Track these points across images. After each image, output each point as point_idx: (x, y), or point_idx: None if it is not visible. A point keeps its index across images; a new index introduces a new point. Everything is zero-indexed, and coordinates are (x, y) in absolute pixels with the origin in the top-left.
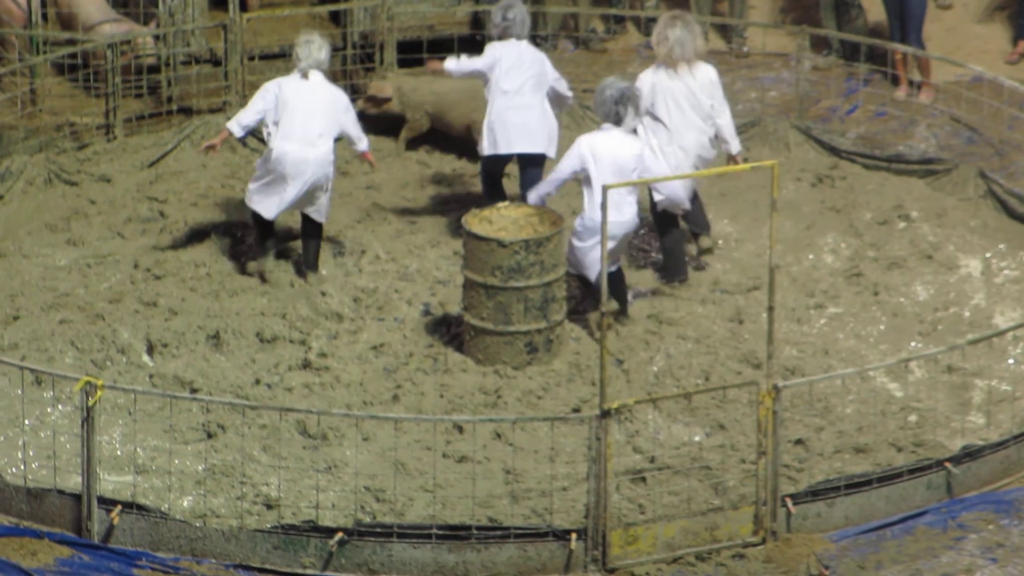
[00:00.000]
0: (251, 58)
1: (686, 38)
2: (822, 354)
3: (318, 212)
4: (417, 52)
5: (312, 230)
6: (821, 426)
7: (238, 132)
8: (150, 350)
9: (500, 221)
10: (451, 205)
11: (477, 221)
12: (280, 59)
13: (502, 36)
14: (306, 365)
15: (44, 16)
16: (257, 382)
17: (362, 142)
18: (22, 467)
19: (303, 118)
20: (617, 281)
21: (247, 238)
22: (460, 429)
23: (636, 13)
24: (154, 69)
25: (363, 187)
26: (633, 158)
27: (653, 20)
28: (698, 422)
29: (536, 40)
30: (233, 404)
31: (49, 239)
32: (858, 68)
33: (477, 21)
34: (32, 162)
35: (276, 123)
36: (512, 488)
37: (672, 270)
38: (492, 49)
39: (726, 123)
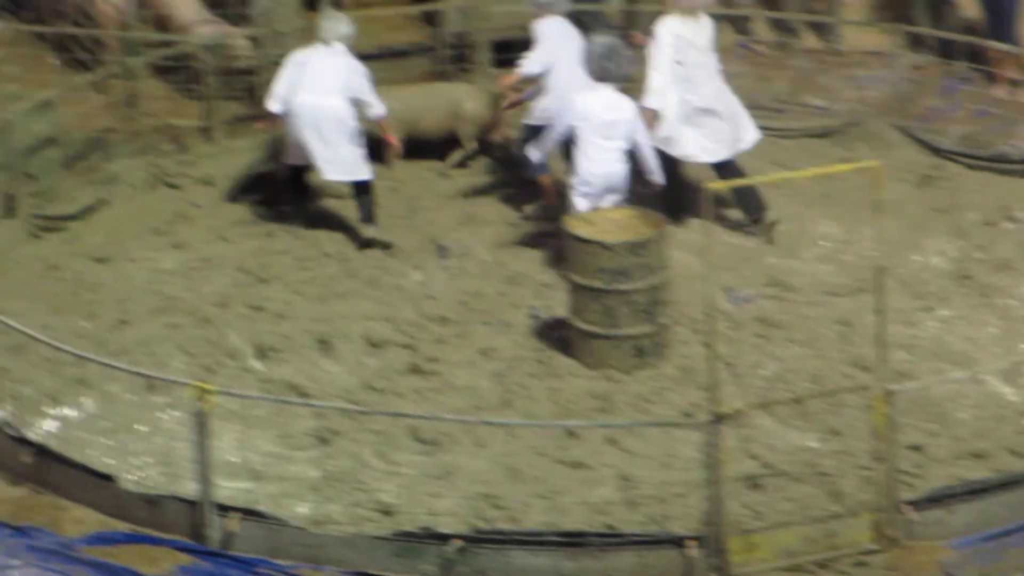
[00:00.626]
0: None
1: None
2: (933, 357)
3: (348, 170)
4: (511, 52)
5: (357, 190)
6: (936, 431)
7: (277, 107)
8: (259, 355)
9: (601, 223)
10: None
11: (578, 223)
12: (374, 60)
13: (542, 16)
14: (415, 370)
15: (140, 18)
16: (367, 387)
17: (376, 108)
18: (138, 473)
19: (319, 75)
20: None
21: (354, 240)
22: (573, 434)
23: (730, 11)
24: (250, 71)
25: (463, 190)
26: (623, 119)
27: (746, 18)
28: (812, 427)
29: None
30: (346, 409)
31: (154, 243)
32: (955, 66)
33: (577, 21)
34: (134, 166)
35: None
36: (627, 494)
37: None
38: (543, 28)
39: None
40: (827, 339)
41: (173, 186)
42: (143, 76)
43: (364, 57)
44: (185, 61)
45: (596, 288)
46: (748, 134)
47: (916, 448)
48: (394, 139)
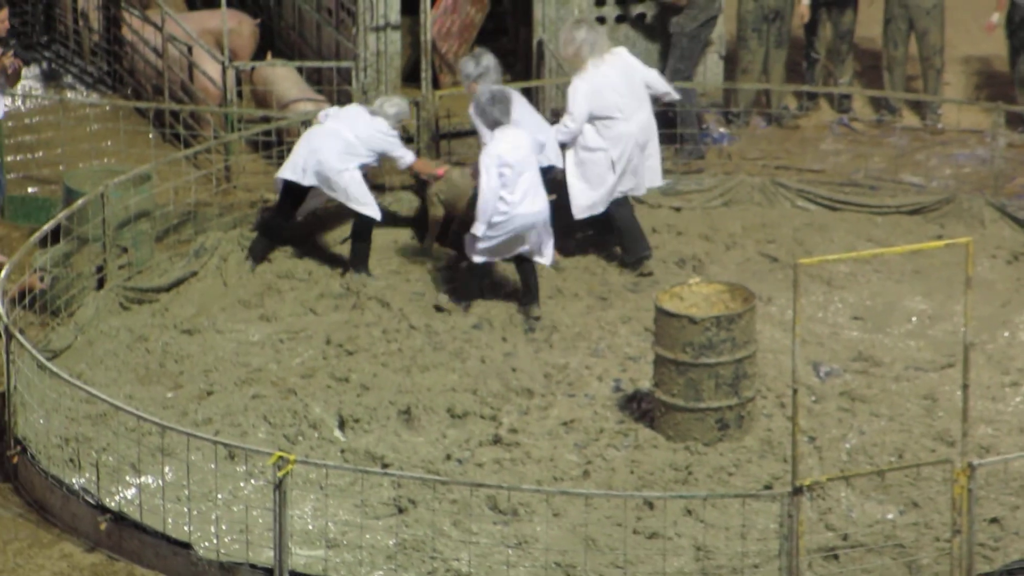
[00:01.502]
0: (443, 136)
1: (594, 37)
2: (1018, 432)
3: (347, 199)
4: None
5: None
6: (1017, 504)
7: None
8: (342, 425)
9: (691, 298)
10: (642, 281)
11: (668, 298)
12: (472, 136)
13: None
14: (497, 441)
15: (239, 93)
16: (448, 457)
17: (405, 158)
18: (215, 541)
19: (336, 119)
20: (529, 271)
21: (440, 313)
22: (651, 505)
23: (829, 89)
24: None
25: (550, 266)
26: (529, 152)
27: (847, 96)
28: (891, 499)
29: (728, 116)
30: (424, 479)
31: (243, 315)
32: None
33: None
34: (226, 238)
35: None
36: (703, 565)
37: (631, 248)
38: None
39: (654, 76)
40: (911, 413)
41: (264, 259)
42: (240, 151)
43: (462, 134)
44: (282, 136)
45: (681, 361)
46: (653, 179)
47: (995, 520)
48: (440, 171)
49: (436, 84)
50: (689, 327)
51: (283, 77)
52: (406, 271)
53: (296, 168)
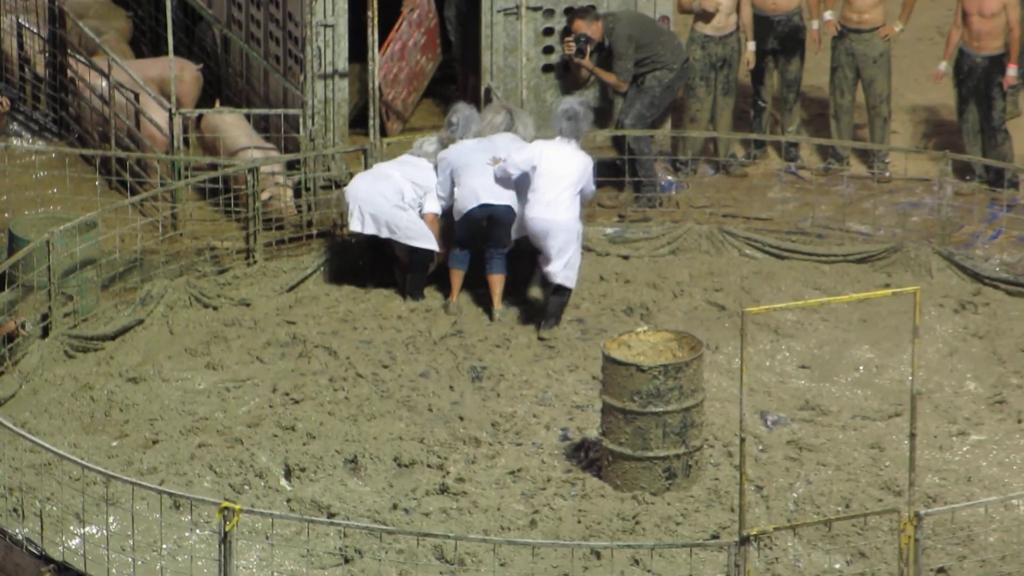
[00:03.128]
0: None
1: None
2: (965, 482)
3: (407, 237)
4: None
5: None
6: (964, 555)
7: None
8: (288, 474)
9: (639, 346)
10: (589, 330)
11: (616, 346)
12: None
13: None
14: (444, 490)
15: (186, 140)
16: (394, 507)
17: (428, 205)
18: None
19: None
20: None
21: (388, 363)
22: (598, 555)
23: (777, 138)
24: (294, 194)
25: (498, 314)
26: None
27: (794, 145)
28: (839, 549)
29: (676, 164)
30: (370, 529)
31: (189, 363)
32: (1001, 194)
33: (617, 145)
34: (173, 286)
35: None
36: None
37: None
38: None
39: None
40: (859, 463)
41: (211, 307)
42: (187, 198)
43: None
44: (229, 184)
45: (629, 410)
46: None
47: (942, 571)
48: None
49: (383, 131)
50: (637, 375)
51: (232, 124)
52: (353, 319)
53: (355, 220)
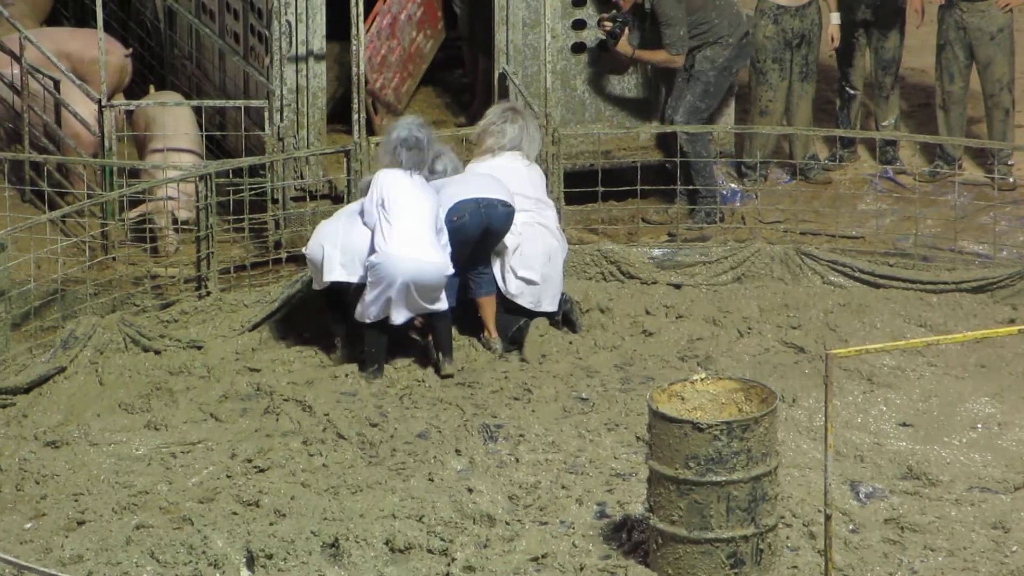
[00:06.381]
0: None
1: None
2: None
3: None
4: (589, 184)
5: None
6: None
7: None
8: (250, 563)
9: (695, 398)
10: (632, 378)
11: (666, 398)
12: None
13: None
14: None
15: (119, 139)
16: None
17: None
18: None
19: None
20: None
21: (377, 420)
22: None
23: (870, 134)
24: (258, 207)
25: (518, 357)
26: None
27: (892, 143)
28: None
29: (741, 169)
30: None
31: (124, 422)
32: None
33: (665, 144)
34: (103, 325)
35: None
36: None
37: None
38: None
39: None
40: (977, 547)
41: (152, 351)
42: (121, 214)
43: None
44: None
45: (683, 479)
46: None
47: None
48: None
49: (370, 129)
50: (693, 435)
51: (175, 119)
52: (332, 366)
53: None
